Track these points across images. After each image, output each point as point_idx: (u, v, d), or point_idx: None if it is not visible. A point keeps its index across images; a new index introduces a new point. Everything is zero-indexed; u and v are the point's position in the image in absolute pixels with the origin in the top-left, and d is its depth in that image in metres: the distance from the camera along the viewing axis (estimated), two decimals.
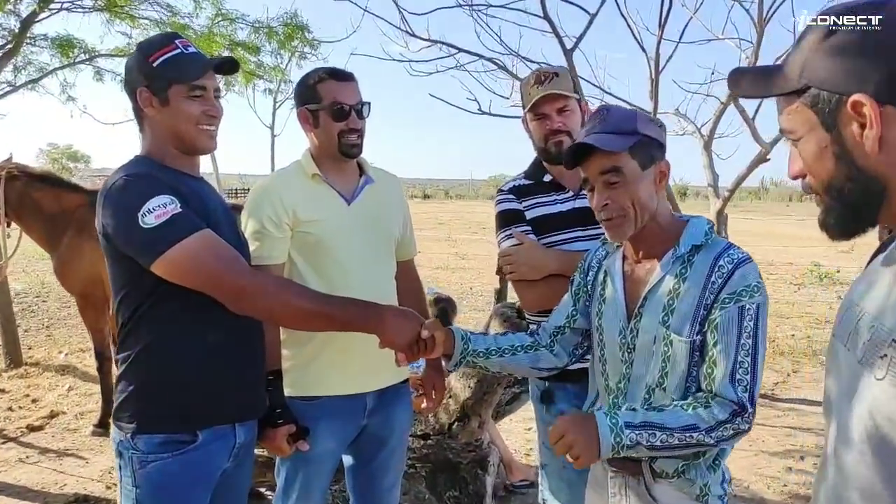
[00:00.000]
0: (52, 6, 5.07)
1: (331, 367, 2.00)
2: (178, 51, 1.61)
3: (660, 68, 4.87)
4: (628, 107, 5.61)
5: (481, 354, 1.70)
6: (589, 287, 1.69)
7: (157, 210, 1.48)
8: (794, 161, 0.90)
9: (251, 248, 1.92)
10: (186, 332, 1.60)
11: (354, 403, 2.05)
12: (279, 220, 1.95)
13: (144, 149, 1.67)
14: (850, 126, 0.80)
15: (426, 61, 5.18)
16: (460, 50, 5.09)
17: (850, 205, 0.84)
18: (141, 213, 1.47)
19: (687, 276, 1.45)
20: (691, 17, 5.30)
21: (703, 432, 1.37)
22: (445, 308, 3.85)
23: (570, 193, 2.10)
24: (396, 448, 2.19)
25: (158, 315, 1.57)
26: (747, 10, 4.42)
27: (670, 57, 5.11)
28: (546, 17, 4.73)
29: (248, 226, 1.97)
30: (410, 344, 1.64)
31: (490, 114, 5.09)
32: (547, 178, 2.14)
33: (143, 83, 1.61)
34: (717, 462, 1.50)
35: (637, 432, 1.37)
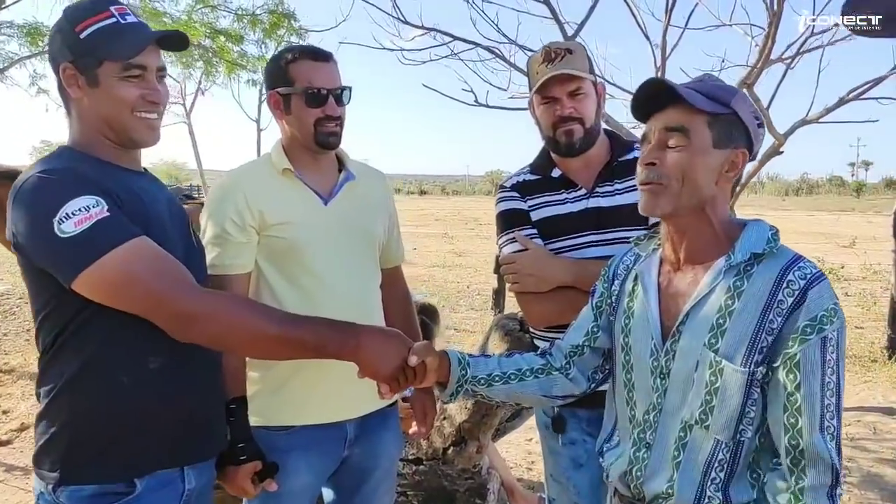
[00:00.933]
0: None
1: (305, 391, 1.73)
2: (113, 20, 1.32)
3: (666, 56, 4.60)
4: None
5: (482, 381, 1.43)
6: (614, 298, 1.42)
7: (78, 214, 1.20)
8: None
9: (210, 255, 1.65)
10: (121, 358, 1.32)
11: (333, 433, 1.77)
12: (243, 222, 1.67)
13: (70, 137, 1.39)
14: None
15: (419, 50, 4.91)
16: (455, 38, 4.82)
17: None
18: (57, 218, 1.19)
19: (743, 291, 1.18)
20: (697, 3, 5.02)
21: None
22: (425, 320, 3.26)
23: (583, 191, 1.81)
24: (383, 479, 1.92)
25: (85, 339, 1.30)
26: None
27: (676, 44, 4.85)
28: (546, 2, 4.46)
29: (207, 229, 1.69)
30: (396, 373, 1.37)
31: (487, 105, 4.82)
32: (556, 172, 1.85)
33: (67, 58, 1.33)
34: None
35: None
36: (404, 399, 1.96)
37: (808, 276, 1.14)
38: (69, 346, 1.30)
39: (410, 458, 2.64)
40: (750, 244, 1.20)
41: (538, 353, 1.52)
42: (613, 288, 1.43)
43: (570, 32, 4.43)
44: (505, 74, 5.07)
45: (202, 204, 2.00)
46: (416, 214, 31.78)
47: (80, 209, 1.21)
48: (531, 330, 1.98)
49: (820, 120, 4.24)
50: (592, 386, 1.49)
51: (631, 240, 1.43)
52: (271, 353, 1.43)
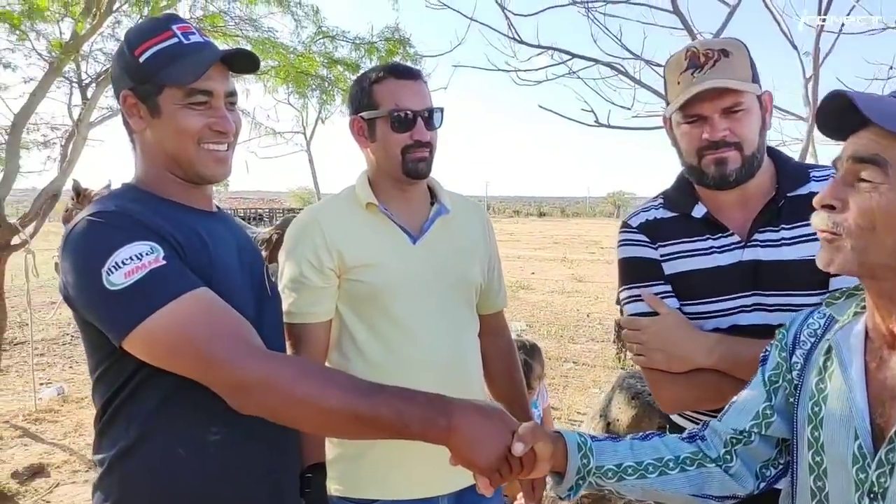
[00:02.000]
0: None
1: (391, 461, 1.50)
2: (174, 40, 1.18)
3: (819, 64, 4.02)
4: (785, 115, 4.78)
5: (610, 473, 1.12)
6: (795, 374, 1.06)
7: (129, 264, 1.05)
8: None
9: (286, 302, 1.48)
10: (178, 428, 1.16)
11: None
12: (321, 264, 1.49)
13: (135, 174, 1.27)
14: None
15: (535, 70, 4.65)
16: (573, 55, 4.52)
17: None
18: (106, 268, 1.05)
19: None
20: (854, 6, 4.38)
21: None
22: (526, 360, 2.86)
23: (736, 238, 1.37)
24: None
25: (140, 405, 1.15)
26: None
27: (829, 51, 4.24)
28: (677, 12, 4.05)
29: (283, 272, 1.53)
30: (497, 464, 1.09)
31: (608, 126, 4.45)
32: (698, 211, 1.41)
33: (127, 85, 1.21)
34: None
35: None
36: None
37: None
38: (123, 412, 1.16)
39: None
40: None
41: (686, 436, 1.18)
42: (794, 360, 1.07)
43: None
44: (628, 92, 4.67)
45: None
46: (534, 237, 31.30)
47: (131, 258, 1.06)
48: None
49: None
50: (762, 485, 1.12)
51: (824, 299, 1.07)
52: (342, 432, 1.20)
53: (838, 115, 0.89)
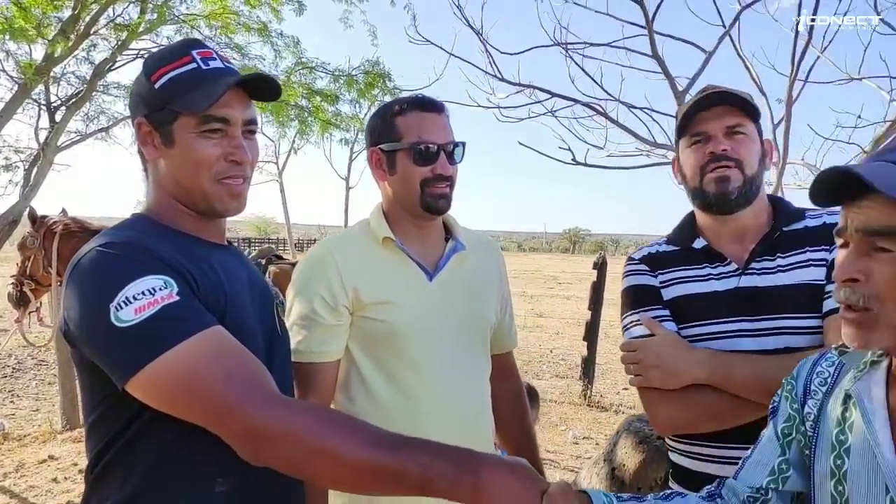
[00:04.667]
0: (126, 52, 4.92)
1: None
2: (192, 66, 1.11)
3: (791, 110, 4.17)
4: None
5: None
6: (808, 425, 1.03)
7: (140, 299, 0.96)
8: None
9: (295, 339, 1.39)
10: (181, 479, 1.06)
11: None
12: (335, 301, 1.41)
13: (146, 204, 1.18)
14: None
15: (515, 107, 4.69)
16: (552, 94, 4.58)
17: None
18: (115, 303, 0.95)
19: None
20: (819, 57, 4.59)
21: None
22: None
23: (734, 266, 1.43)
24: None
25: (139, 456, 1.04)
26: None
27: (796, 98, 4.42)
28: (655, 56, 4.16)
29: (293, 308, 1.44)
30: None
31: (586, 164, 4.51)
32: (699, 243, 1.48)
33: (142, 112, 1.13)
34: None
35: None
36: None
37: None
38: (119, 463, 1.04)
39: None
40: None
41: (704, 494, 1.14)
42: (807, 411, 1.04)
43: (681, 88, 4.10)
44: (601, 133, 4.75)
45: (293, 265, 1.76)
46: None
47: (143, 292, 0.97)
48: (667, 441, 1.59)
49: None
50: None
51: (837, 346, 1.05)
52: (361, 486, 1.09)
53: (833, 184, 0.88)
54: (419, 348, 1.43)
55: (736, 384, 1.29)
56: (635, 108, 4.49)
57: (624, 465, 1.77)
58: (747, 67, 4.55)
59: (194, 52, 1.12)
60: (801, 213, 1.46)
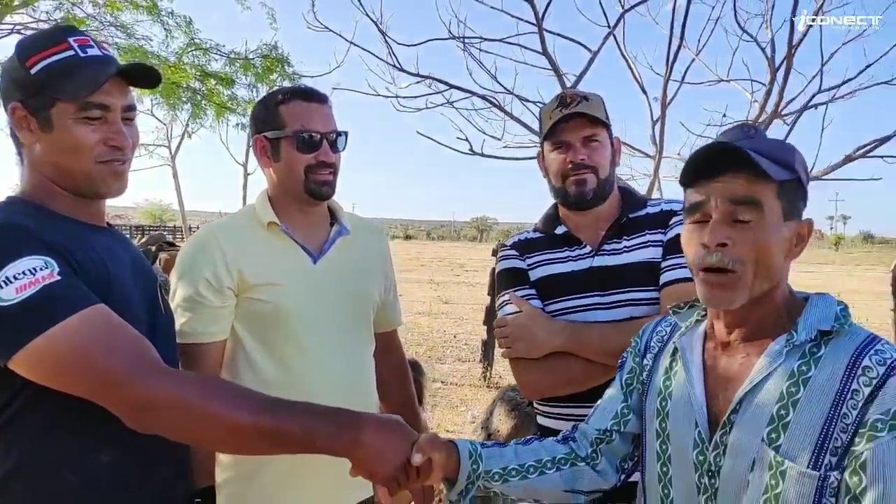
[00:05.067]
0: (1, 26, 4.59)
1: (283, 479, 1.50)
2: (70, 53, 1.13)
3: (666, 109, 4.52)
4: (634, 151, 5.29)
5: (497, 476, 1.22)
6: (646, 375, 1.22)
7: (21, 279, 1.00)
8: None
9: (180, 321, 1.43)
10: (69, 450, 1.10)
11: None
12: (220, 283, 1.46)
13: (21, 187, 1.19)
14: None
15: (414, 97, 4.80)
16: (451, 86, 4.73)
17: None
18: None
19: (810, 377, 0.99)
20: (694, 59, 5.00)
21: None
22: (416, 378, 3.07)
23: (588, 249, 1.64)
24: None
25: (27, 425, 1.07)
26: (763, 49, 4.09)
27: (673, 97, 4.79)
28: (545, 54, 4.39)
29: (177, 291, 1.48)
30: (396, 473, 1.15)
31: (482, 154, 4.69)
32: (560, 230, 1.69)
33: (16, 97, 1.14)
34: None
35: None
36: None
37: (889, 362, 0.95)
38: (3, 437, 1.08)
39: None
40: (815, 321, 1.02)
41: (560, 438, 1.31)
42: (646, 363, 1.24)
43: (568, 84, 4.35)
44: (498, 124, 4.94)
45: None
46: (401, 259, 31.57)
47: (24, 272, 1.00)
48: (535, 405, 1.77)
49: (824, 177, 4.16)
50: (623, 477, 1.28)
51: (670, 307, 1.24)
52: (247, 448, 1.19)
53: (707, 160, 1.04)
54: (304, 328, 1.51)
55: (588, 349, 1.51)
56: (528, 101, 4.71)
57: (498, 431, 1.93)
58: (630, 67, 4.89)
59: (71, 40, 1.15)
60: (644, 202, 1.69)
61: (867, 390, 0.94)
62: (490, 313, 7.32)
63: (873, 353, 0.97)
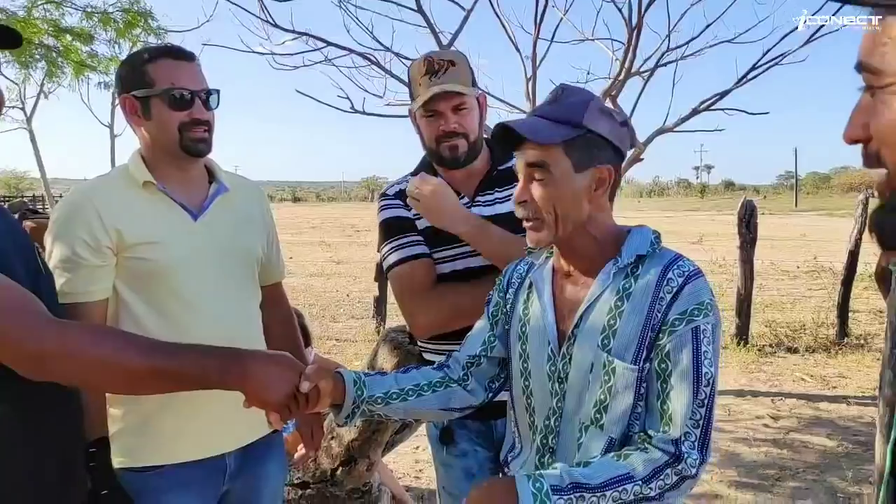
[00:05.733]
0: None
1: (176, 425, 1.57)
2: None
3: (536, 67, 4.76)
4: (512, 108, 5.52)
5: (379, 400, 1.37)
6: (509, 307, 1.43)
7: None
8: (864, 116, 0.64)
9: (60, 282, 1.45)
10: None
11: (211, 468, 1.63)
12: (97, 243, 1.49)
13: None
14: None
15: (291, 55, 4.73)
16: (328, 43, 4.70)
17: None
18: None
19: (631, 292, 1.23)
20: (562, 18, 5.26)
21: (641, 483, 1.14)
22: (303, 324, 3.04)
23: (465, 200, 1.78)
24: None
25: None
26: (619, 10, 4.39)
27: (544, 56, 5.04)
28: (420, 11, 4.47)
29: (53, 253, 1.49)
30: (287, 400, 1.27)
31: (364, 112, 4.74)
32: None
33: None
34: None
35: (566, 497, 1.11)
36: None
37: (686, 273, 1.21)
38: None
39: (296, 482, 2.50)
40: (634, 247, 1.25)
41: (435, 366, 1.49)
42: (508, 296, 1.44)
43: (444, 42, 4.46)
44: (381, 81, 4.99)
45: (49, 219, 1.77)
46: (290, 222, 30.86)
47: None
48: (419, 343, 1.94)
49: (675, 129, 4.59)
50: (490, 396, 1.48)
51: (524, 249, 1.44)
52: (143, 389, 1.27)
53: (508, 136, 1.26)
54: (188, 284, 1.57)
55: (486, 244, 1.67)
56: (407, 59, 4.78)
57: (383, 368, 2.10)
58: (503, 25, 5.07)
59: None
60: (510, 156, 1.84)
61: (669, 297, 1.19)
62: (381, 269, 7.46)
63: (676, 268, 1.22)
